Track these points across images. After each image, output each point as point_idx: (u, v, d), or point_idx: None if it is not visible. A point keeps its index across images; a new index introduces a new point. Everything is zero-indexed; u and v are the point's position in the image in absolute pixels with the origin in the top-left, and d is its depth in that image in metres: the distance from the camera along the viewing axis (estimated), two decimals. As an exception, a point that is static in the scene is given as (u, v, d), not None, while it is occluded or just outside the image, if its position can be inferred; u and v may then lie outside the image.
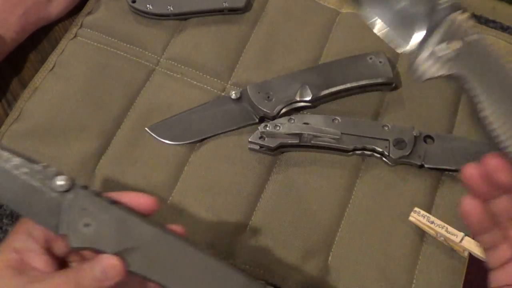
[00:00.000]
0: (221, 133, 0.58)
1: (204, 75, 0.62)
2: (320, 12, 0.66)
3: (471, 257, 0.52)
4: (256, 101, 0.58)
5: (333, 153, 0.57)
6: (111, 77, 0.61)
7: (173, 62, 0.63)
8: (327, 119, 0.56)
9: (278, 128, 0.55)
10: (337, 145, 0.56)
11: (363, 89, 0.60)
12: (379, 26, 0.44)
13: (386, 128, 0.56)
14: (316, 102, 0.59)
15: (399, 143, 0.55)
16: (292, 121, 0.56)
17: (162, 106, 0.60)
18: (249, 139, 0.56)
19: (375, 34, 0.64)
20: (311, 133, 0.55)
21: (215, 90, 0.61)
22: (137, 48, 0.63)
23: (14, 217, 0.54)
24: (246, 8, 0.65)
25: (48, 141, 0.57)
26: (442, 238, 0.52)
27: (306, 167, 0.57)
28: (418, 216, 0.53)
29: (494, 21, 0.66)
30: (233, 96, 0.59)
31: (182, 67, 0.62)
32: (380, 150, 0.55)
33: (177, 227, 0.42)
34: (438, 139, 0.56)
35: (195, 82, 0.61)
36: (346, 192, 0.56)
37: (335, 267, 0.53)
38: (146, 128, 0.58)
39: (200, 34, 0.64)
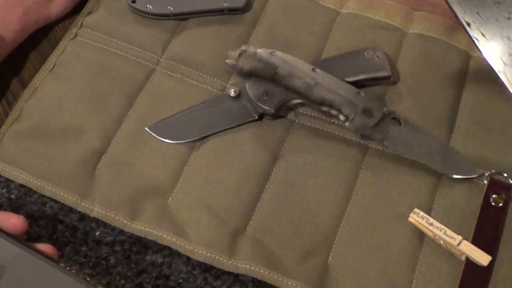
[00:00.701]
0: (221, 131, 0.58)
1: (204, 75, 0.62)
2: (320, 12, 0.66)
3: (468, 261, 0.51)
4: (256, 98, 0.58)
5: (333, 153, 0.57)
6: (111, 77, 0.61)
7: (173, 62, 0.63)
8: (306, 66, 0.56)
9: (258, 51, 0.55)
10: (306, 93, 0.55)
11: (361, 84, 0.60)
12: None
13: (360, 94, 0.56)
14: (315, 99, 0.59)
15: (366, 112, 0.55)
16: (273, 53, 0.56)
17: (162, 106, 0.60)
18: (227, 59, 0.56)
19: (375, 34, 0.64)
20: (287, 68, 0.55)
21: (215, 90, 0.61)
22: (137, 48, 0.63)
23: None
24: (246, 8, 0.65)
25: (48, 141, 0.57)
26: (441, 241, 0.52)
27: (306, 167, 0.57)
28: (418, 217, 0.53)
29: None
30: (232, 93, 0.59)
31: (182, 67, 0.62)
32: (346, 113, 0.55)
33: (47, 247, 0.44)
34: (405, 125, 0.57)
35: (195, 82, 0.61)
36: (346, 192, 0.56)
37: (335, 267, 0.53)
38: (146, 128, 0.58)
39: (200, 34, 0.64)
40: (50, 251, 0.44)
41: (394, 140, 0.56)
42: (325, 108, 0.57)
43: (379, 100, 0.59)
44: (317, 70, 0.56)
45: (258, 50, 0.56)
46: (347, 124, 0.56)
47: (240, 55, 0.55)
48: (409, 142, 0.56)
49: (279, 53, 0.57)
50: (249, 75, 0.56)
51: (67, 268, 0.42)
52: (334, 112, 0.56)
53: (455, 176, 0.56)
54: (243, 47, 0.56)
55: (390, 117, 0.56)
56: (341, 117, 0.57)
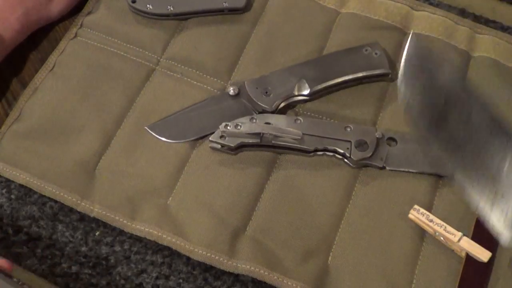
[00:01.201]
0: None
1: (204, 75, 0.62)
2: (320, 12, 0.66)
3: (468, 257, 0.51)
4: (255, 97, 0.58)
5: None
6: (111, 77, 0.61)
7: (173, 62, 0.63)
8: (289, 119, 0.57)
9: (239, 127, 0.55)
10: (298, 145, 0.56)
11: (360, 81, 0.60)
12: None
13: (349, 129, 0.56)
14: (314, 96, 0.59)
15: (360, 145, 0.55)
16: (254, 120, 0.56)
17: (162, 106, 0.60)
18: (210, 138, 0.56)
19: (375, 34, 0.64)
20: (272, 133, 0.55)
21: (215, 90, 0.61)
22: (137, 48, 0.63)
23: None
24: (246, 8, 0.65)
25: (48, 141, 0.57)
26: (441, 238, 0.52)
27: (306, 167, 0.57)
28: (418, 214, 0.53)
29: (494, 21, 0.66)
30: (231, 92, 0.59)
31: (182, 67, 0.62)
32: (342, 151, 0.56)
33: (2, 262, 0.43)
34: (401, 141, 0.57)
35: (195, 82, 0.61)
36: (346, 192, 0.56)
37: (335, 267, 0.53)
38: (145, 127, 0.58)
39: (200, 34, 0.64)
40: (4, 265, 0.44)
41: (394, 161, 0.56)
42: (320, 152, 0.57)
43: (371, 124, 0.59)
44: (300, 119, 0.56)
45: (238, 124, 0.55)
46: (345, 160, 0.56)
47: (222, 137, 0.56)
48: (409, 157, 0.56)
49: (259, 116, 0.57)
50: (238, 148, 0.56)
51: (20, 283, 0.42)
52: (330, 153, 0.57)
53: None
54: (222, 128, 0.55)
55: (384, 139, 0.56)
56: (338, 156, 0.57)
